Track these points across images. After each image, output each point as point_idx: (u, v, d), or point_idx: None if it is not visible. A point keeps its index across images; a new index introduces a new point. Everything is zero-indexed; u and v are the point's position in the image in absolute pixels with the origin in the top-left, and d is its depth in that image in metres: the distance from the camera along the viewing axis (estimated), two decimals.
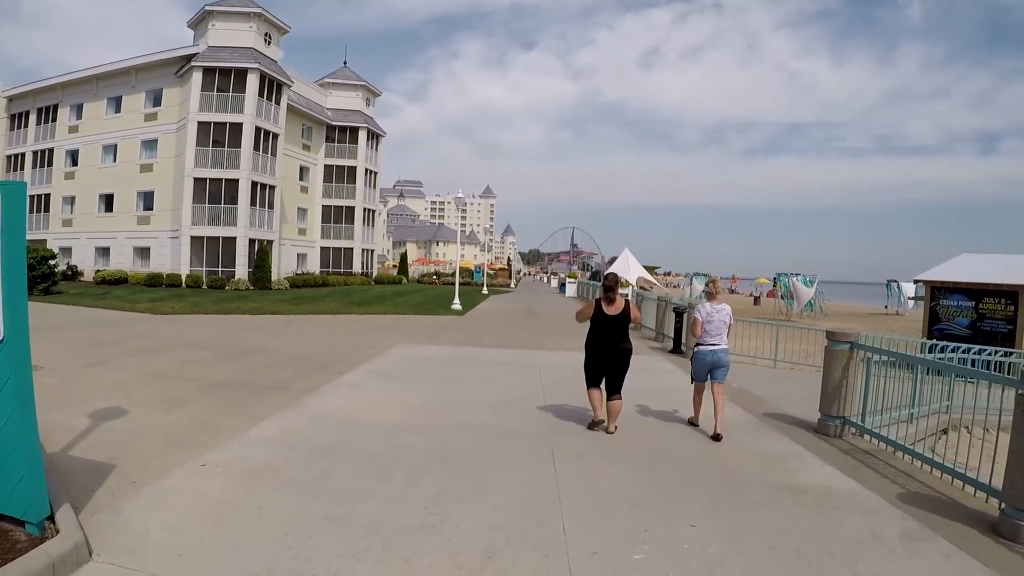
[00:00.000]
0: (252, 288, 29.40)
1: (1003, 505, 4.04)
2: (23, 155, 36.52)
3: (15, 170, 37.06)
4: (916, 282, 15.07)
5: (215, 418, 6.03)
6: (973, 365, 8.67)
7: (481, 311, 22.64)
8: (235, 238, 30.62)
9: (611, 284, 6.16)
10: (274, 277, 31.85)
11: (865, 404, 6.31)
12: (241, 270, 30.51)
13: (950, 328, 14.00)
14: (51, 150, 35.38)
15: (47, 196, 35.41)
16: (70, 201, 34.69)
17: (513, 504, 4.08)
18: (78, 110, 34.64)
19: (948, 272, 14.63)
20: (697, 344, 6.42)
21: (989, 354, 9.30)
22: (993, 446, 4.83)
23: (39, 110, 36.00)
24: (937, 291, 14.41)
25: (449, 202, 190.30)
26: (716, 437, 5.93)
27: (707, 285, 6.97)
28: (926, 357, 7.61)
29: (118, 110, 33.47)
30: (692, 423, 6.56)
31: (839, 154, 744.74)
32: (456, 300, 22.73)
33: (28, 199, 36.12)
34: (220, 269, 30.81)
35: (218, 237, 30.58)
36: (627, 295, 19.19)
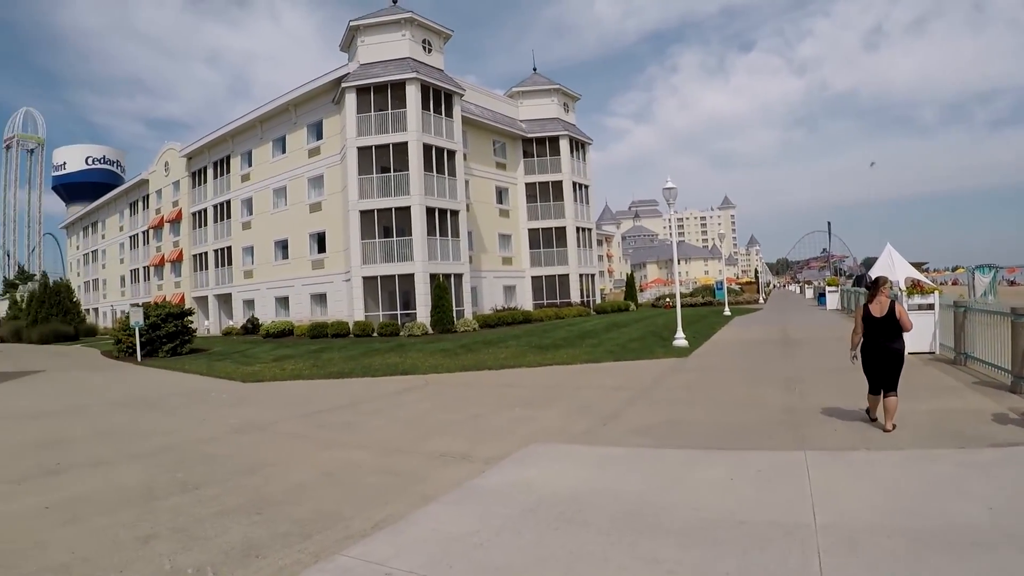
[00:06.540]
0: (432, 332, 23.08)
1: None
2: (205, 211, 35.55)
3: (199, 226, 36.29)
4: None
5: None
6: None
7: (714, 345, 15.47)
8: (413, 275, 24.70)
9: (876, 283, 6.29)
10: (467, 315, 25.40)
11: None
12: (423, 311, 24.43)
13: None
14: (228, 202, 33.66)
15: (228, 249, 33.63)
16: (249, 251, 32.46)
17: None
18: (248, 157, 32.60)
19: None
20: None
21: None
22: None
23: (215, 164, 34.86)
24: None
25: (688, 217, 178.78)
26: None
27: None
28: None
29: (284, 150, 30.48)
30: None
31: None
32: (679, 332, 14.94)
33: (214, 254, 35.30)
34: (399, 312, 25.30)
35: (393, 275, 24.99)
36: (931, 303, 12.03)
